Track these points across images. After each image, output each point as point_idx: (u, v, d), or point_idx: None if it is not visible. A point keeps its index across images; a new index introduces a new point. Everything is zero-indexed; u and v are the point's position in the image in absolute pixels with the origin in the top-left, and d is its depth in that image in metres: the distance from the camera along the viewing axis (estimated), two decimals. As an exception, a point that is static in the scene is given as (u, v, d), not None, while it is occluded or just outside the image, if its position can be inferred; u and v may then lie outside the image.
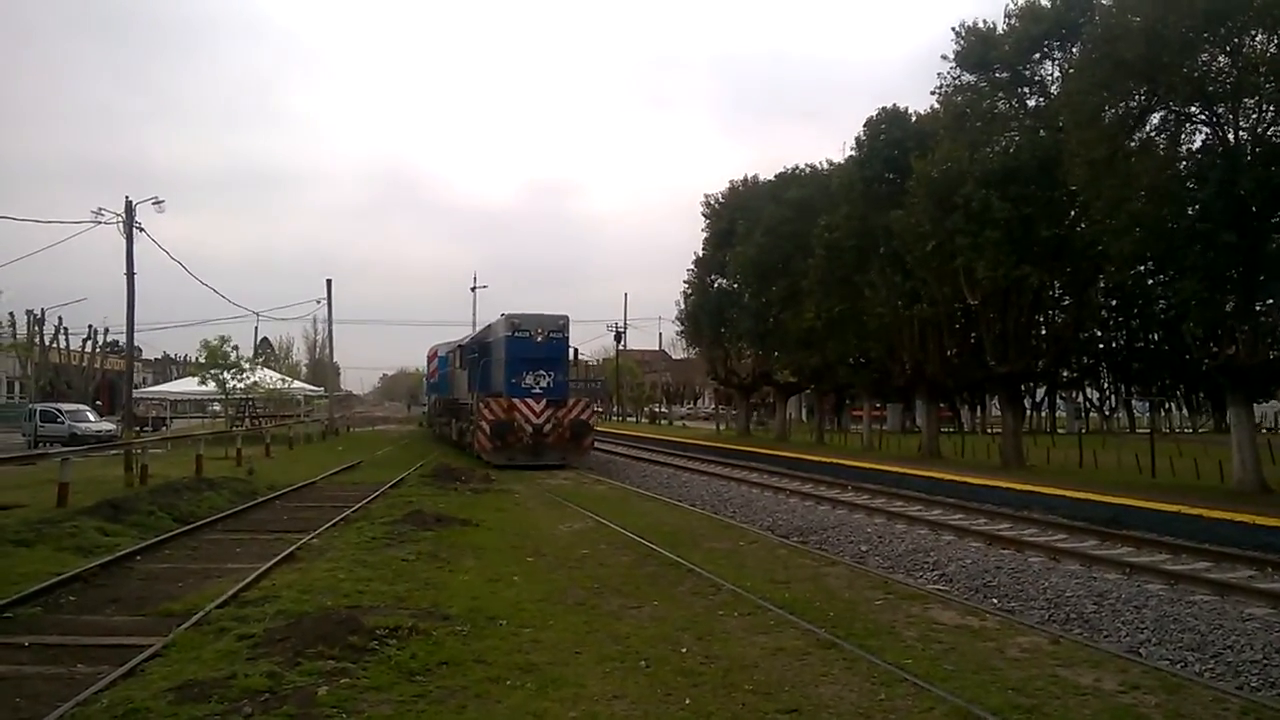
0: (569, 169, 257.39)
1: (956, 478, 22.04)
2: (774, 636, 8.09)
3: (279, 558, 11.47)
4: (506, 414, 26.36)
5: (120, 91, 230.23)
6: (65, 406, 41.31)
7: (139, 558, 11.91)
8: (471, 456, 28.30)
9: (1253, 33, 18.65)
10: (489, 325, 31.46)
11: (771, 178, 42.35)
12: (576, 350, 30.16)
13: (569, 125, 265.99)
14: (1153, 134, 20.75)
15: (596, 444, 31.04)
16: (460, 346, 35.20)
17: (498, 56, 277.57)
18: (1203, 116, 19.89)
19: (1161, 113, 20.43)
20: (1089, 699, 6.54)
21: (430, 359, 49.23)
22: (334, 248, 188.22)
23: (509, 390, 26.70)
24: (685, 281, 47.46)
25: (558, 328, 27.47)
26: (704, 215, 46.15)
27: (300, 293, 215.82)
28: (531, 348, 26.88)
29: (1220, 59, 19.04)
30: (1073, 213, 24.60)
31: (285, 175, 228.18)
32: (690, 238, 52.64)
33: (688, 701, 6.38)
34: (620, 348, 75.76)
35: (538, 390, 26.72)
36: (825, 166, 38.12)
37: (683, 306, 47.81)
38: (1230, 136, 19.34)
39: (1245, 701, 6.64)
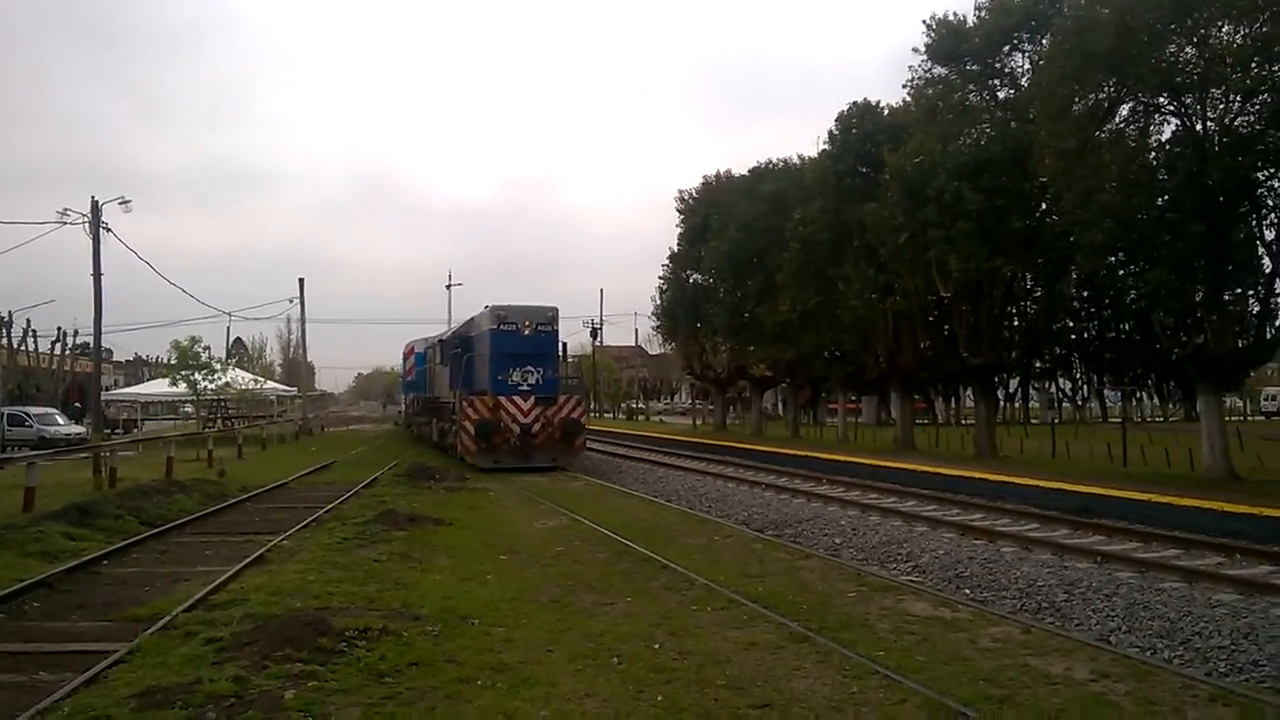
0: (547, 165, 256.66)
1: (930, 469, 22.16)
2: (747, 631, 8.06)
3: (248, 560, 11.32)
4: (492, 413, 24.66)
5: (103, 94, 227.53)
6: (34, 410, 40.66)
7: (106, 562, 11.73)
8: (454, 458, 27.03)
9: (1219, 24, 18.86)
10: (471, 318, 29.46)
11: (745, 172, 42.47)
12: (566, 344, 28.62)
13: (548, 121, 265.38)
14: (1122, 125, 20.98)
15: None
16: (441, 341, 33.60)
17: (477, 52, 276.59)
18: (1171, 107, 20.08)
19: (1131, 104, 20.64)
20: (1059, 688, 6.56)
21: (407, 356, 47.96)
22: (309, 247, 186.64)
23: (494, 388, 24.94)
24: (661, 277, 47.61)
25: (546, 320, 25.69)
26: (678, 211, 46.32)
27: (275, 293, 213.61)
28: (518, 342, 25.15)
29: (1188, 50, 19.23)
30: (1044, 204, 24.82)
31: (261, 174, 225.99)
32: (667, 233, 52.65)
33: (660, 698, 6.34)
34: (597, 343, 75.67)
35: (525, 387, 25.02)
36: (799, 161, 38.27)
37: (658, 301, 47.89)
38: (1198, 127, 19.54)
39: (1213, 688, 6.67)
